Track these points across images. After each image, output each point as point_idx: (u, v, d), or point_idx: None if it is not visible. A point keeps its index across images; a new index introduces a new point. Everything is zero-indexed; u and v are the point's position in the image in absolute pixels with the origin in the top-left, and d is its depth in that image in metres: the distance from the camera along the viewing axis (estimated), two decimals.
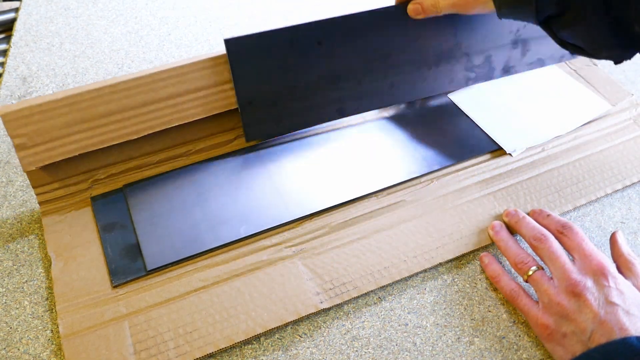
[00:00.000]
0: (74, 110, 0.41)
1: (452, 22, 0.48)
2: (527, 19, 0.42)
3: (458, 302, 0.41)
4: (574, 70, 0.59)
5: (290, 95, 0.46)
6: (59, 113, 0.41)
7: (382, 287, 0.42)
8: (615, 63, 0.41)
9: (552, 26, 0.41)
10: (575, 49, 0.42)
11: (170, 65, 0.42)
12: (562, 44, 0.42)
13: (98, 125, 0.42)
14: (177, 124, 0.45)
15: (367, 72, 0.48)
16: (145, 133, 0.44)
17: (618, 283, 0.37)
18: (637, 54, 0.40)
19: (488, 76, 0.54)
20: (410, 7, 0.47)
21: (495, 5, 0.43)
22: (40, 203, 0.45)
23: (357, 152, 0.50)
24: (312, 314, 0.40)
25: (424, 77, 0.51)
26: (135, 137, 0.44)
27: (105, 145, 0.43)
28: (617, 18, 0.38)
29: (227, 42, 0.42)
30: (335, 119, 0.50)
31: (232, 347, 0.38)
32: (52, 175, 0.44)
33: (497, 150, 0.51)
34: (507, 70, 0.54)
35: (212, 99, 0.45)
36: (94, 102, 0.41)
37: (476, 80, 0.53)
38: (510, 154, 0.50)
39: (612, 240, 0.42)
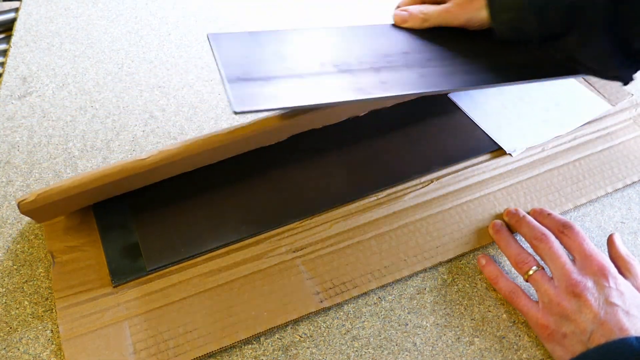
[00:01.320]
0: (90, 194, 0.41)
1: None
2: (527, 36, 0.41)
3: (458, 302, 0.41)
4: None
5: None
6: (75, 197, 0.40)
7: (382, 287, 0.41)
8: (624, 84, 0.41)
9: (554, 46, 0.41)
10: (581, 68, 0.41)
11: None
12: (568, 60, 0.41)
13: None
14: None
15: None
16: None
17: (618, 284, 0.37)
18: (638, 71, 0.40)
19: None
20: (396, 14, 0.45)
21: (492, 19, 0.41)
22: None
23: (357, 152, 0.50)
24: (312, 313, 0.40)
25: None
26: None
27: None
28: (621, 35, 0.38)
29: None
30: None
31: (232, 347, 0.38)
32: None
33: (497, 150, 0.51)
34: None
35: None
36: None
37: None
38: (510, 154, 0.50)
39: (610, 241, 0.42)
